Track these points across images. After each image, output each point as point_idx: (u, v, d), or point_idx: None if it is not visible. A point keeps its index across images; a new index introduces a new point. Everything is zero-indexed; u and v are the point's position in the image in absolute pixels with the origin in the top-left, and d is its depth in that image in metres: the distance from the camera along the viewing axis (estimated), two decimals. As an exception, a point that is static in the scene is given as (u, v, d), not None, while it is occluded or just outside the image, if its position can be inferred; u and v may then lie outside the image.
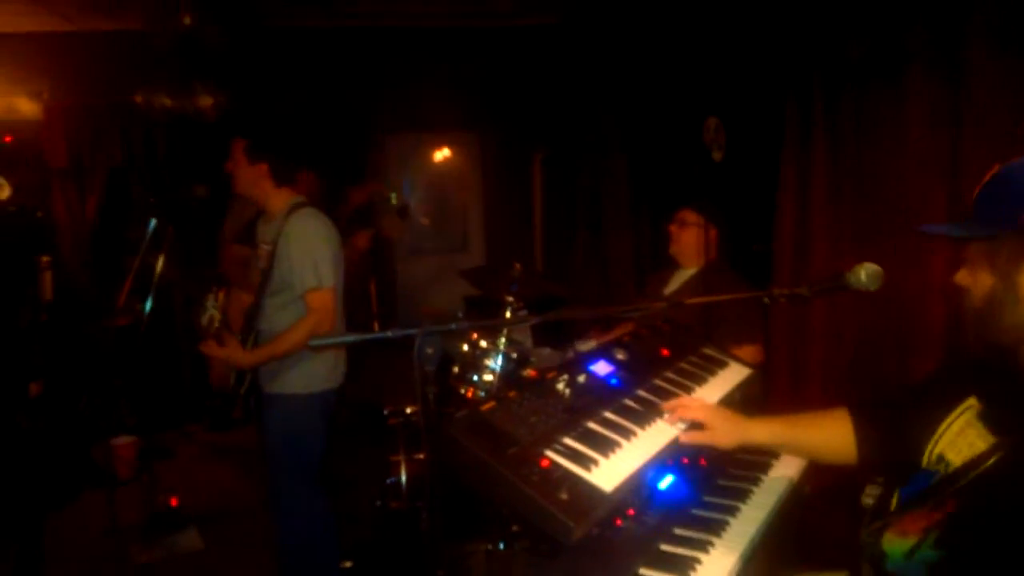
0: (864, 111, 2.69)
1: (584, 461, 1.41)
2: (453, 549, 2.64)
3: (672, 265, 3.26)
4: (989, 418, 1.22)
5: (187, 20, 3.84)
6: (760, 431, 1.56)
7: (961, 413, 1.27)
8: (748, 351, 2.70)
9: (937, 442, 1.28)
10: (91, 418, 4.38)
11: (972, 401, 1.27)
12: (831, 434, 1.50)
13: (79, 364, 4.89)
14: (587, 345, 3.25)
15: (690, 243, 3.11)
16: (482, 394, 2.99)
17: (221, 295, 2.82)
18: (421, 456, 3.19)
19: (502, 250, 6.71)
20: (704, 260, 3.11)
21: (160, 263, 3.54)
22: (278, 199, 2.86)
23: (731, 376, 2.05)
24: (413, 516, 3.18)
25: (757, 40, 3.42)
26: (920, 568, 1.16)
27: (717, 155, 4.04)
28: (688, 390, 1.85)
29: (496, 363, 2.98)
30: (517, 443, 1.40)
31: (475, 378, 2.99)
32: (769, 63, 3.31)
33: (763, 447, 1.65)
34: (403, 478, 3.19)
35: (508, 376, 2.96)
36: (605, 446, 1.49)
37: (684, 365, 2.00)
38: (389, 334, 1.32)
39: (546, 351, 3.62)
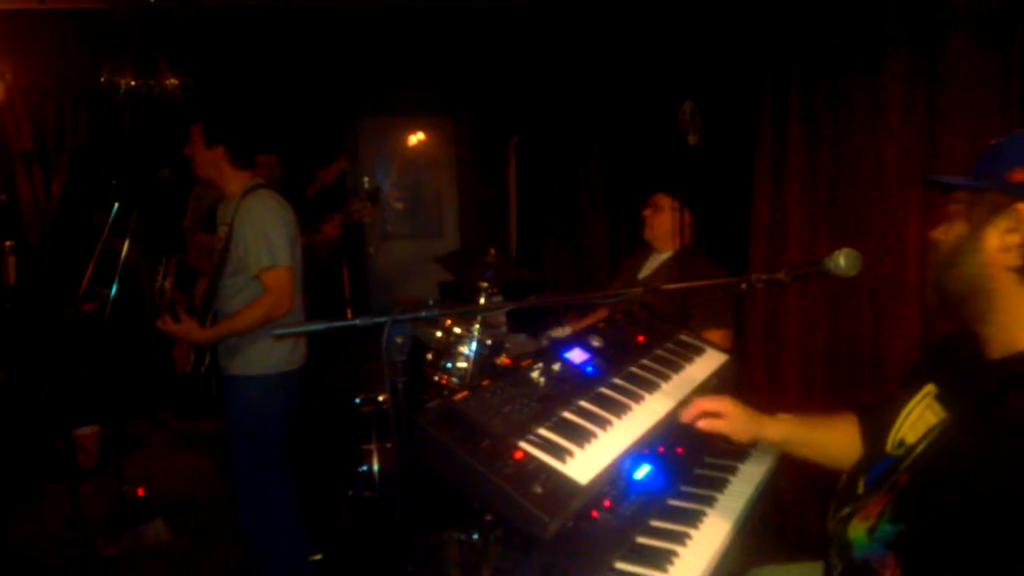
0: (841, 97, 2.67)
1: (559, 452, 1.37)
2: (425, 539, 2.62)
3: (646, 249, 3.23)
4: (943, 398, 1.26)
5: (152, -2, 3.71)
6: (774, 429, 1.59)
7: (921, 399, 1.31)
8: (717, 336, 2.69)
9: (899, 428, 1.31)
10: (54, 407, 4.26)
11: (930, 387, 1.30)
12: (840, 436, 1.54)
13: (42, 351, 4.76)
14: (562, 331, 3.22)
15: (664, 227, 3.09)
16: (456, 381, 2.95)
17: (172, 265, 2.77)
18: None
19: (476, 236, 6.66)
20: (678, 244, 3.09)
21: (125, 247, 3.46)
22: (236, 181, 2.84)
23: (707, 363, 2.02)
24: (386, 505, 3.14)
25: (734, 24, 3.39)
26: (880, 546, 1.17)
27: (692, 139, 4.01)
28: (665, 377, 1.82)
29: (470, 350, 2.94)
30: (490, 435, 1.36)
31: (449, 365, 2.95)
32: (746, 47, 3.28)
33: (775, 444, 1.67)
34: (375, 467, 3.15)
35: (482, 363, 2.92)
36: (581, 436, 1.45)
37: (660, 352, 1.97)
38: (358, 322, 1.27)
39: (521, 337, 3.58)
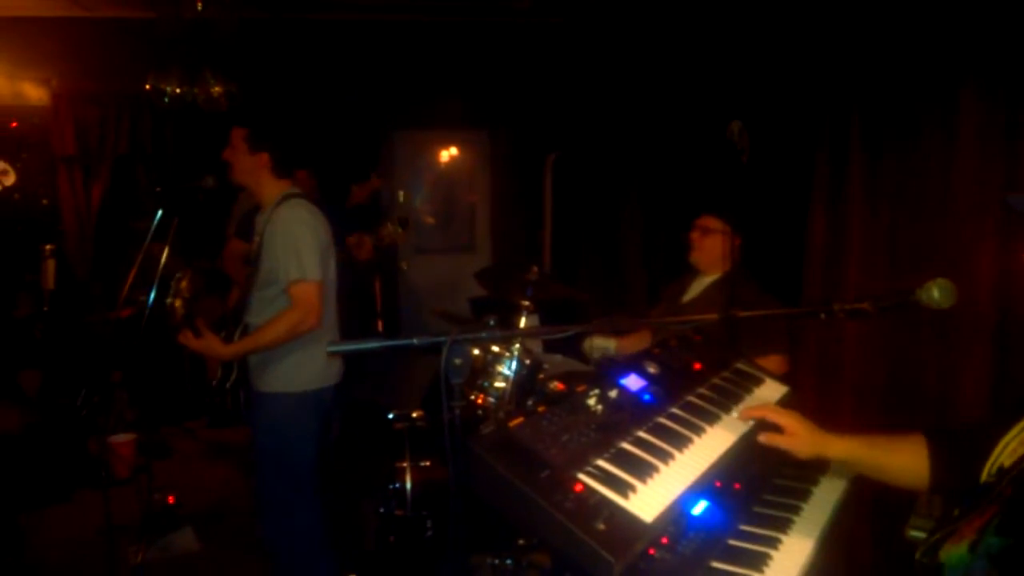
0: (908, 119, 2.56)
1: (621, 487, 1.30)
2: (456, 561, 2.54)
3: (691, 271, 3.15)
4: None
5: (198, 7, 3.73)
6: (838, 446, 1.52)
7: (1019, 432, 1.25)
8: (773, 361, 2.59)
9: (996, 459, 1.26)
10: (89, 412, 4.27)
11: None
12: (907, 458, 1.47)
13: (79, 356, 4.79)
14: (605, 342, 3.12)
15: (713, 251, 3.01)
16: (492, 401, 2.89)
17: (184, 282, 2.73)
18: (427, 463, 3.08)
19: (510, 251, 6.61)
20: (724, 267, 3.01)
21: (165, 255, 3.46)
22: (272, 190, 2.78)
23: (767, 395, 1.93)
24: (418, 524, 3.07)
25: (790, 45, 3.30)
26: (983, 562, 1.09)
27: (740, 160, 3.93)
28: (725, 408, 1.74)
29: (509, 369, 2.87)
30: (549, 465, 1.28)
31: (486, 384, 2.89)
32: (803, 69, 3.19)
33: (838, 462, 1.61)
34: (408, 485, 3.08)
35: (521, 383, 2.85)
36: (642, 470, 1.37)
37: (718, 381, 1.88)
38: (415, 341, 1.21)
39: (558, 357, 3.51)
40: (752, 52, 3.59)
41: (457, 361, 1.20)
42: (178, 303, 2.67)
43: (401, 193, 6.58)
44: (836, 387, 2.81)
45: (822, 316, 1.35)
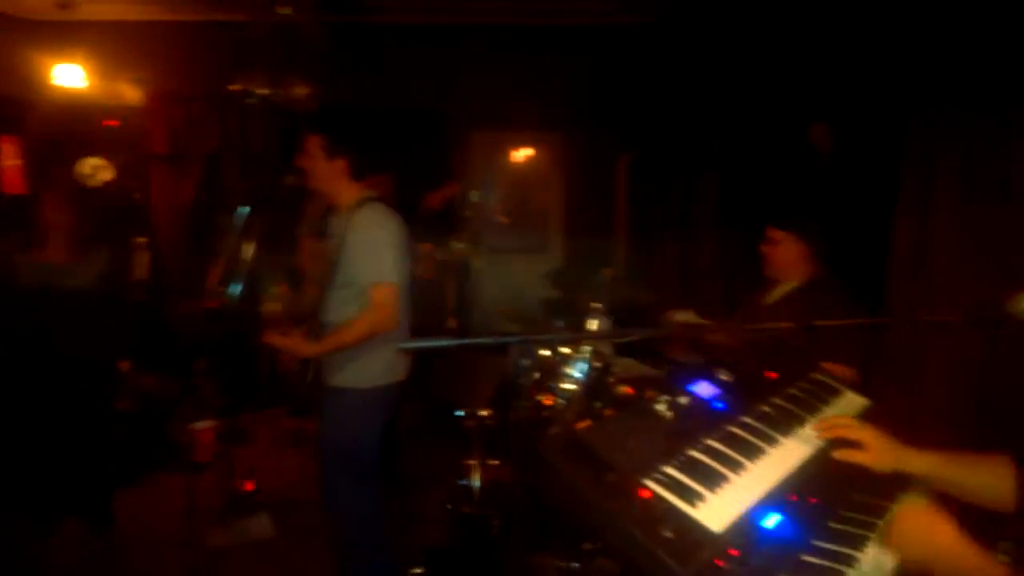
0: (1001, 127, 2.42)
1: (689, 495, 1.27)
2: (522, 561, 2.54)
3: (772, 277, 3.08)
4: None
5: (285, 10, 3.86)
6: (918, 461, 1.48)
7: None
8: (842, 372, 2.50)
9: None
10: (175, 399, 4.48)
11: None
12: (991, 478, 1.43)
13: (166, 344, 5.02)
14: (684, 315, 3.08)
15: (783, 261, 2.96)
16: (561, 402, 2.88)
17: (284, 288, 2.84)
18: (495, 461, 3.10)
19: (582, 253, 6.57)
20: (805, 274, 2.93)
21: (249, 249, 3.59)
22: (349, 194, 2.85)
23: (845, 407, 1.86)
24: (484, 522, 3.09)
25: (877, 45, 3.17)
26: None
27: (823, 163, 3.81)
28: (800, 420, 1.68)
29: (578, 371, 2.86)
30: (614, 469, 1.27)
31: (555, 386, 2.88)
32: (890, 69, 3.06)
33: (917, 477, 1.55)
34: (476, 482, 3.11)
35: (590, 386, 2.83)
36: (711, 479, 1.34)
37: (793, 391, 1.82)
38: (486, 340, 1.22)
39: (629, 361, 3.47)
40: (837, 51, 3.47)
41: (525, 362, 1.20)
42: (277, 307, 2.79)
43: (475, 193, 6.64)
44: (917, 401, 2.68)
45: (903, 326, 1.28)
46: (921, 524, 1.42)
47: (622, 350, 3.55)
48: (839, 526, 1.64)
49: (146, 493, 4.04)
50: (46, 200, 3.14)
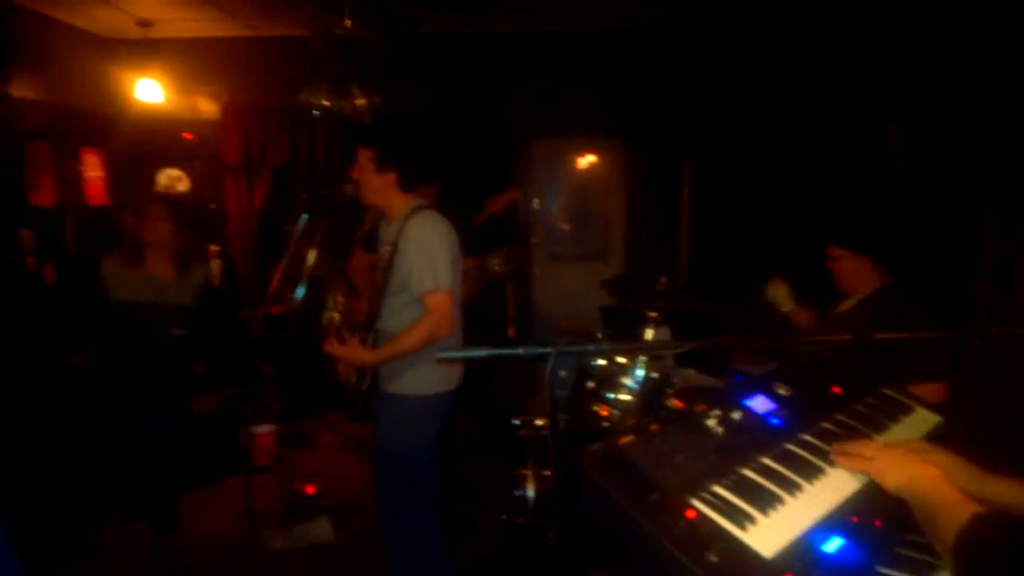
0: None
1: (738, 517, 1.20)
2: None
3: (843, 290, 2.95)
4: None
5: (347, 24, 3.94)
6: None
7: None
8: (929, 389, 2.35)
9: None
10: (240, 401, 4.59)
11: None
12: None
13: (235, 349, 5.18)
14: (752, 368, 3.01)
15: (849, 276, 2.87)
16: (617, 413, 2.81)
17: (340, 297, 2.86)
18: (550, 472, 3.05)
19: (644, 261, 6.47)
20: (874, 284, 2.80)
21: (311, 256, 3.66)
22: (401, 204, 2.87)
23: (916, 425, 1.74)
24: (538, 534, 3.05)
25: (959, 37, 3.00)
26: None
27: (898, 165, 3.63)
28: (865, 437, 1.58)
29: (635, 381, 2.79)
30: (659, 487, 1.22)
31: (610, 396, 2.81)
32: (971, 71, 2.89)
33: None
34: (530, 493, 3.06)
35: (647, 397, 2.76)
36: (764, 500, 1.27)
37: (859, 407, 1.72)
38: (520, 351, 1.19)
39: (690, 372, 3.37)
40: (914, 50, 3.30)
41: (563, 373, 1.17)
42: (336, 316, 2.83)
43: (536, 200, 6.62)
44: (1002, 422, 2.50)
45: (977, 341, 1.18)
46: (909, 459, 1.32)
47: (683, 359, 3.46)
48: (906, 552, 1.54)
49: (210, 495, 4.15)
50: (145, 214, 3.18)
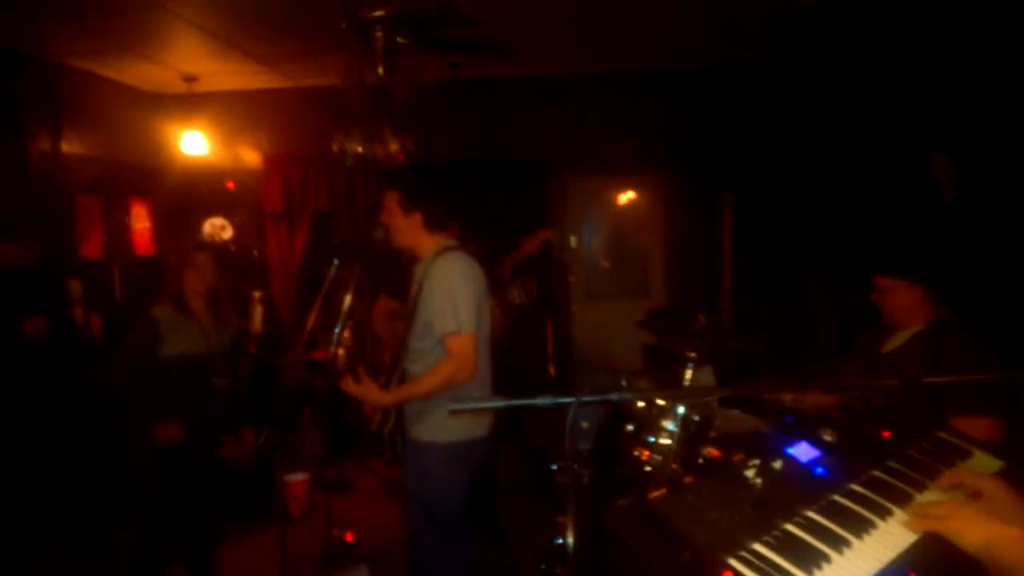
0: None
1: (780, 578, 1.11)
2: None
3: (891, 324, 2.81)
4: None
5: (379, 71, 4.00)
6: None
7: None
8: (980, 425, 2.21)
9: None
10: (274, 449, 4.58)
11: None
12: None
13: (274, 394, 5.20)
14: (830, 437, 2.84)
15: (900, 309, 2.72)
16: (658, 458, 2.71)
17: (346, 333, 2.82)
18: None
19: (686, 297, 6.34)
20: (929, 317, 2.66)
21: (347, 301, 3.67)
22: (429, 244, 2.85)
23: (975, 470, 1.62)
24: (578, 584, 2.93)
25: (1004, 63, 2.89)
26: None
27: (947, 195, 3.49)
28: (919, 487, 1.46)
29: (675, 423, 2.68)
30: (692, 546, 1.13)
31: (651, 440, 2.71)
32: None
33: None
34: (570, 541, 2.96)
35: (689, 440, 2.65)
36: (809, 558, 1.17)
37: (912, 453, 1.60)
38: (539, 401, 1.13)
39: (734, 413, 3.24)
40: (960, 76, 3.19)
41: (584, 424, 1.10)
42: (341, 351, 2.78)
43: (573, 238, 6.57)
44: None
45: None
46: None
47: (726, 400, 3.34)
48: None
49: (248, 543, 4.12)
50: (192, 264, 3.21)
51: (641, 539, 1.13)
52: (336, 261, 3.08)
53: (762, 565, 1.14)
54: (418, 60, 4.13)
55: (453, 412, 2.58)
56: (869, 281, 2.83)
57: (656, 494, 1.24)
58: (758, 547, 1.18)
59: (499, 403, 1.13)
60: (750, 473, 1.36)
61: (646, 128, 6.00)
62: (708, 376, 3.12)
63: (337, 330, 3.41)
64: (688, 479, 1.31)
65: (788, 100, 5.05)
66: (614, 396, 1.17)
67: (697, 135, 5.92)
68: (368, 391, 2.74)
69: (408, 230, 2.83)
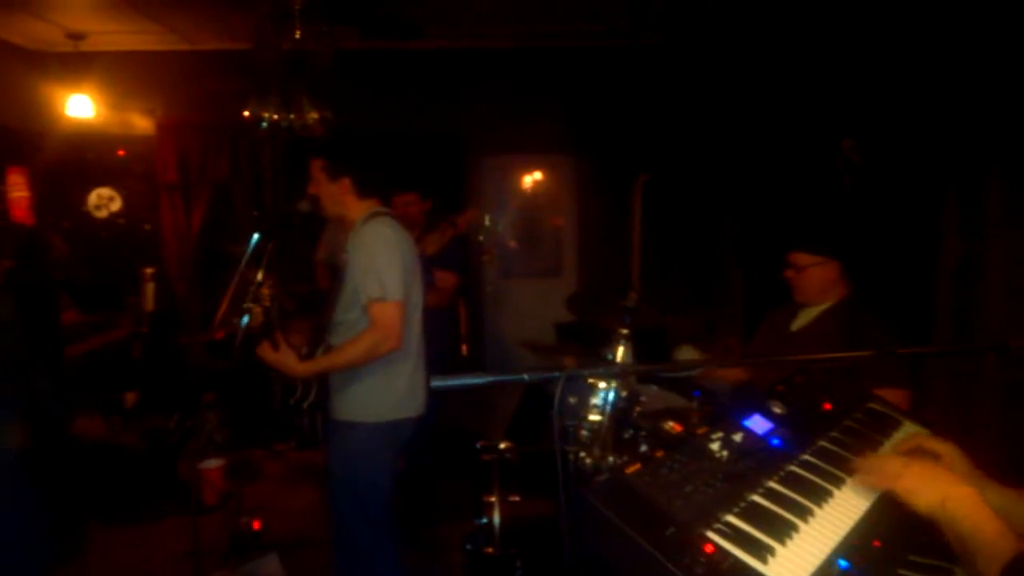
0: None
1: (758, 549, 1.13)
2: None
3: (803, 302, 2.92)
4: None
5: (297, 35, 3.80)
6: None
7: None
8: (895, 397, 2.35)
9: None
10: (182, 435, 4.34)
11: None
12: None
13: (174, 377, 4.91)
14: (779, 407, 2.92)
15: (813, 286, 2.76)
16: (586, 435, 2.73)
17: (265, 289, 2.67)
18: (516, 498, 2.94)
19: (597, 276, 6.46)
20: (835, 295, 2.77)
21: (259, 278, 3.48)
22: (358, 210, 2.74)
23: (906, 440, 1.71)
24: (506, 563, 2.93)
25: (907, 50, 3.06)
26: None
27: (846, 180, 3.69)
28: (861, 454, 1.53)
29: (604, 401, 2.71)
30: (674, 520, 1.13)
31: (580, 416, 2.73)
32: (917, 79, 2.94)
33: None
34: (496, 520, 2.95)
35: (617, 417, 2.69)
36: (779, 528, 1.20)
37: (851, 424, 1.68)
38: (526, 377, 1.09)
39: (653, 388, 3.32)
40: (868, 63, 3.35)
41: (572, 400, 1.07)
42: (257, 309, 2.59)
43: (487, 217, 6.55)
44: (970, 433, 2.51)
45: (993, 355, 1.15)
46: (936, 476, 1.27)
47: (645, 377, 3.41)
48: (908, 573, 1.49)
49: (152, 534, 3.89)
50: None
51: (625, 515, 1.12)
52: (256, 235, 2.89)
53: (739, 536, 1.15)
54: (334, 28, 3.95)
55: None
56: (780, 260, 2.92)
57: (632, 470, 1.23)
58: (731, 519, 1.20)
59: (483, 379, 1.08)
60: (715, 446, 1.38)
61: (559, 109, 6.02)
62: (630, 354, 3.18)
63: (246, 305, 3.23)
64: (659, 454, 1.31)
65: (696, 82, 5.17)
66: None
67: (609, 117, 5.99)
68: (285, 359, 2.59)
69: (336, 197, 2.71)
